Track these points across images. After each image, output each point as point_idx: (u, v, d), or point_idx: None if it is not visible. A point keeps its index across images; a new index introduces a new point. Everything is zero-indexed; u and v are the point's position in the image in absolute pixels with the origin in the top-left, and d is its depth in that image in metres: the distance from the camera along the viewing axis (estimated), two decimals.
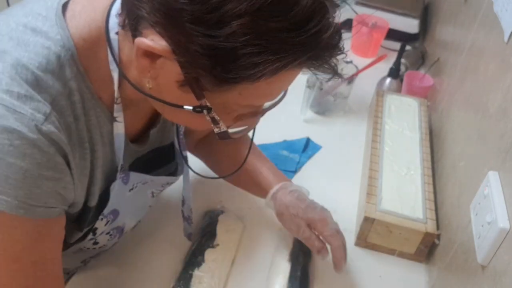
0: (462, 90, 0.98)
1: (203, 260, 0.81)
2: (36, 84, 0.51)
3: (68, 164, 0.55)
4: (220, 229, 0.87)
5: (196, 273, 0.79)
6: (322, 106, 1.24)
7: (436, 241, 0.86)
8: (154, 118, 0.73)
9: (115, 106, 0.60)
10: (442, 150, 1.03)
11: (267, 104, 0.61)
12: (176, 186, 0.94)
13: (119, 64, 0.57)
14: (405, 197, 0.91)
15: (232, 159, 0.87)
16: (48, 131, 0.51)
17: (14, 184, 0.50)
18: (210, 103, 0.53)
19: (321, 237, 0.80)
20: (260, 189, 0.86)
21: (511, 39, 0.75)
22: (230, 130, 0.58)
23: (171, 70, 0.51)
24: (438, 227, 0.86)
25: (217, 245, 0.84)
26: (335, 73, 0.55)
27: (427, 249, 0.88)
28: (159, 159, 0.77)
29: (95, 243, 0.71)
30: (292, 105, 1.25)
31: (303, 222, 0.80)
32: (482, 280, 0.63)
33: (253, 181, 0.87)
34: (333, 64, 0.54)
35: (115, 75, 0.58)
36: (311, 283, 0.83)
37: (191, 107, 0.54)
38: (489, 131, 0.75)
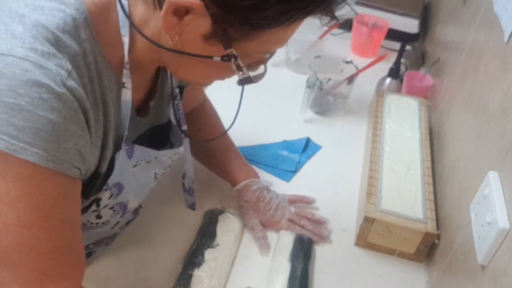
0: (462, 90, 0.98)
1: (203, 260, 0.81)
2: (56, 43, 0.53)
3: (87, 122, 0.56)
4: (220, 229, 0.87)
5: (196, 273, 0.79)
6: (322, 106, 1.24)
7: (436, 241, 0.86)
8: (152, 90, 0.76)
9: (124, 71, 0.62)
10: (442, 150, 1.03)
11: (268, 56, 0.68)
12: (174, 185, 0.94)
13: (131, 26, 0.60)
14: (405, 197, 0.91)
15: (210, 128, 0.99)
16: (72, 86, 0.53)
17: (44, 136, 0.50)
18: (236, 53, 0.59)
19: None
20: (228, 181, 0.97)
21: (511, 39, 0.75)
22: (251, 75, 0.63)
23: (199, 25, 0.56)
24: (438, 227, 0.86)
25: (217, 245, 0.84)
26: (335, 18, 0.62)
27: (427, 249, 0.88)
28: (158, 139, 0.79)
29: (99, 216, 0.71)
30: (292, 105, 1.25)
31: (256, 220, 0.91)
32: (482, 280, 0.63)
33: (222, 174, 0.98)
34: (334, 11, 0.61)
35: (126, 40, 0.61)
36: (311, 283, 0.83)
37: (219, 57, 0.59)
38: (489, 131, 0.75)
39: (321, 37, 1.39)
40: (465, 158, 0.85)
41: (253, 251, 0.88)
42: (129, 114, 0.65)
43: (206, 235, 0.86)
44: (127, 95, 0.64)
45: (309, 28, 1.41)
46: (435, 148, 1.08)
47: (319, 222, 0.94)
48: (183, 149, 0.82)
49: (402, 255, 0.90)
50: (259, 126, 1.19)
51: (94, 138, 0.59)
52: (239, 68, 0.61)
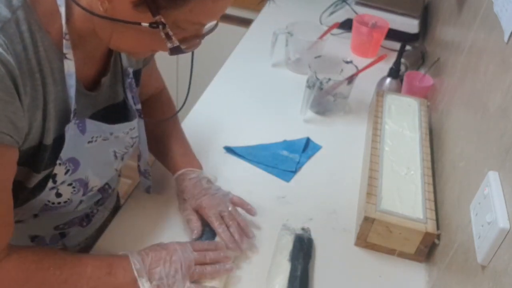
0: (462, 90, 0.98)
1: None
2: None
3: (17, 89, 0.57)
4: None
5: None
6: (322, 106, 1.24)
7: (436, 241, 0.86)
8: (105, 67, 0.76)
9: (64, 42, 0.63)
10: (442, 150, 1.03)
11: (206, 29, 0.68)
12: (174, 186, 0.94)
13: None
14: (405, 197, 0.91)
15: (162, 114, 0.98)
16: None
17: None
18: (164, 21, 0.59)
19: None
20: (169, 170, 0.94)
21: (511, 39, 0.75)
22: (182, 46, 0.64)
23: None
24: (438, 227, 0.86)
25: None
26: None
27: (427, 249, 0.88)
28: (115, 118, 0.79)
29: (58, 194, 0.71)
30: (292, 105, 1.25)
31: (189, 207, 0.87)
32: (482, 280, 0.63)
33: (164, 162, 0.95)
34: None
35: (62, 9, 0.61)
36: (311, 283, 0.83)
37: (147, 24, 0.59)
38: (489, 131, 0.75)
39: (321, 37, 1.39)
40: (465, 158, 0.85)
41: (253, 251, 0.88)
42: (74, 86, 0.65)
43: (206, 235, 0.86)
44: (69, 66, 0.64)
45: (309, 28, 1.42)
46: (435, 148, 1.08)
47: (247, 235, 0.86)
48: (138, 130, 0.82)
49: (402, 255, 0.90)
50: (259, 126, 1.19)
51: (28, 106, 0.60)
52: (168, 37, 0.62)
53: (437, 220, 0.88)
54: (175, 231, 0.89)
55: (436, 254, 0.87)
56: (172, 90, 1.05)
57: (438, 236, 0.86)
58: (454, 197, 0.85)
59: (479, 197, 0.69)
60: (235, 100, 1.26)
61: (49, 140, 0.65)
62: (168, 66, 1.86)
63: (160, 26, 0.60)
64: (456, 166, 0.89)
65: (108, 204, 0.91)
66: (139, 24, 0.60)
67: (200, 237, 0.86)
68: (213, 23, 0.68)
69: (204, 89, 1.28)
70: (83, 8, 0.61)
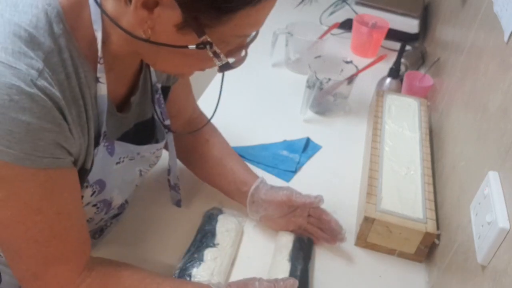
0: (462, 90, 0.98)
1: (202, 260, 0.81)
2: (30, 41, 0.54)
3: (65, 119, 0.57)
4: (220, 229, 0.87)
5: (195, 273, 0.79)
6: (322, 106, 1.24)
7: (436, 241, 0.86)
8: (134, 85, 0.75)
9: (98, 66, 0.62)
10: (442, 150, 1.03)
11: (249, 40, 0.67)
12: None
13: (104, 21, 0.60)
14: (405, 197, 0.91)
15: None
16: (43, 86, 0.53)
17: (18, 138, 0.51)
18: (210, 40, 0.58)
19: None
20: (235, 188, 0.90)
21: (511, 39, 0.75)
22: (230, 61, 0.62)
23: (170, 15, 0.55)
24: (438, 227, 0.86)
25: (217, 244, 0.84)
26: None
27: (427, 249, 0.88)
28: (144, 135, 0.79)
29: None
30: (292, 105, 1.25)
31: (302, 218, 0.88)
32: (482, 280, 0.63)
33: (226, 181, 0.91)
34: None
35: (99, 34, 0.60)
36: (311, 283, 0.83)
37: (194, 46, 0.58)
38: (489, 131, 0.75)
39: (321, 37, 1.39)
40: (465, 158, 0.85)
41: (253, 251, 0.88)
42: (106, 109, 0.65)
43: (205, 235, 0.86)
44: (102, 90, 0.64)
45: (309, 28, 1.42)
46: (435, 148, 1.08)
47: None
48: (168, 145, 0.82)
49: (402, 255, 0.90)
50: (259, 126, 1.19)
51: (77, 132, 0.60)
52: (216, 55, 0.60)
53: (437, 220, 0.88)
54: (175, 232, 0.89)
55: (436, 254, 0.87)
56: None
57: (438, 236, 0.86)
58: (454, 197, 0.85)
59: (479, 197, 0.69)
60: (235, 100, 1.26)
61: (89, 164, 0.65)
62: None
63: (208, 46, 0.59)
64: (456, 166, 0.89)
65: (120, 217, 0.91)
66: (186, 47, 0.59)
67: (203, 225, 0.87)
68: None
69: (204, 89, 1.28)
70: (130, 34, 0.59)
